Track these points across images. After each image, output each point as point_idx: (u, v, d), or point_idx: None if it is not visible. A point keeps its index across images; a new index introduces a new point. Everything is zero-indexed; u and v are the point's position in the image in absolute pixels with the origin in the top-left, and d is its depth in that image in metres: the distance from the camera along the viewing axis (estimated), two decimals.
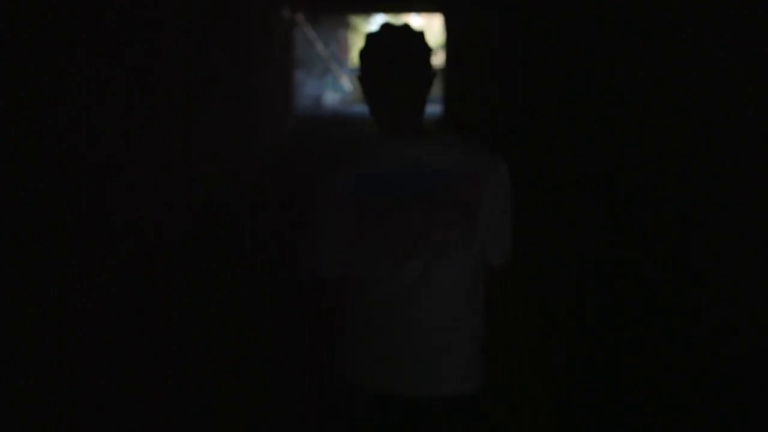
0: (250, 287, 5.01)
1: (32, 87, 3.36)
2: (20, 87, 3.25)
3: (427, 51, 1.61)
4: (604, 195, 3.44)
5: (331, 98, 21.50)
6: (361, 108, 23.05)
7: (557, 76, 4.51)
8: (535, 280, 4.80)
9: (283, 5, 13.00)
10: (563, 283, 4.17)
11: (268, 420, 3.15)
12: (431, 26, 30.07)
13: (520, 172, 5.45)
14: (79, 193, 3.88)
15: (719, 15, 2.27)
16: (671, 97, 2.65)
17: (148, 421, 3.14)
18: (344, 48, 24.73)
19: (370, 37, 1.62)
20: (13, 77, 3.19)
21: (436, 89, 21.83)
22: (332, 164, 1.62)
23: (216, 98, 7.50)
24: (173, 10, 5.86)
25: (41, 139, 3.45)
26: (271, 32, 11.71)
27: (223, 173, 7.85)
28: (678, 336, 2.52)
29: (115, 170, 4.43)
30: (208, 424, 3.12)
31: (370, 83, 1.62)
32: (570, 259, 4.05)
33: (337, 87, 22.64)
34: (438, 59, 24.71)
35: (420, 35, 1.61)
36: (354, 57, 26.85)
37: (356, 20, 27.15)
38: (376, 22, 30.80)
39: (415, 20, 34.80)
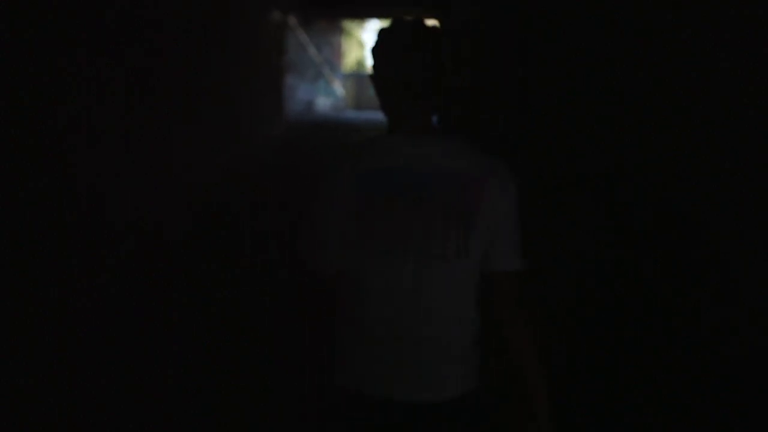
0: (250, 287, 5.01)
1: (32, 87, 3.36)
2: (20, 87, 3.25)
3: (440, 47, 1.58)
4: (604, 195, 3.44)
5: (323, 103, 21.30)
6: (353, 113, 23.02)
7: (557, 76, 4.51)
8: (535, 280, 4.80)
9: (274, 8, 12.89)
10: (563, 283, 4.17)
11: (268, 420, 3.15)
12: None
13: (520, 172, 5.45)
14: (79, 193, 3.88)
15: (719, 15, 2.27)
16: (671, 97, 2.64)
17: (148, 421, 3.14)
18: (337, 53, 24.57)
19: (383, 32, 1.59)
20: (13, 77, 3.19)
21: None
22: (336, 159, 1.60)
23: (200, 102, 7.36)
24: (162, 11, 5.86)
25: (41, 139, 3.45)
26: (261, 35, 11.59)
27: (202, 178, 7.74)
28: (678, 336, 2.52)
29: (114, 170, 4.44)
30: (208, 424, 3.12)
31: (381, 80, 1.60)
32: (570, 259, 4.05)
33: (329, 92, 22.51)
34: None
35: (433, 30, 1.58)
36: (347, 62, 26.82)
37: (349, 25, 27.15)
38: (369, 27, 30.89)
39: None
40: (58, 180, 3.62)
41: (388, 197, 1.55)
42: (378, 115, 23.77)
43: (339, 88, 24.30)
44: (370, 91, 31.55)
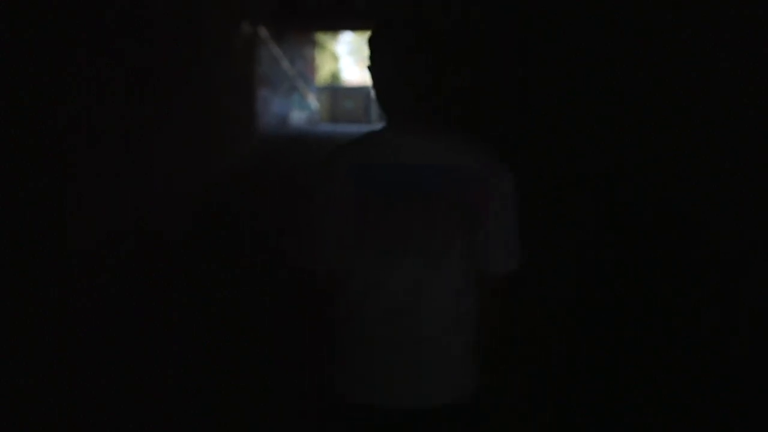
0: (250, 287, 5.00)
1: (32, 87, 3.36)
2: (20, 87, 3.25)
3: (441, 41, 1.54)
4: (604, 195, 3.44)
5: (297, 117, 20.81)
6: (329, 127, 22.80)
7: (557, 76, 4.51)
8: (535, 280, 4.80)
9: (244, 19, 12.46)
10: (563, 283, 4.17)
11: (268, 420, 3.15)
12: None
13: (520, 172, 5.44)
14: (79, 194, 3.88)
15: (719, 15, 2.27)
16: (671, 97, 2.64)
17: (148, 421, 3.14)
18: (310, 66, 24.00)
19: (381, 24, 1.55)
20: (13, 77, 3.18)
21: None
22: (333, 156, 1.56)
23: (167, 113, 7.03)
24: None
25: (41, 139, 3.45)
26: (231, 47, 11.21)
27: (165, 192, 7.40)
28: (678, 336, 2.52)
29: (114, 170, 4.43)
30: (208, 424, 3.12)
31: (379, 73, 1.56)
32: (570, 259, 4.05)
33: (303, 105, 22.07)
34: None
35: (434, 30, 1.55)
36: (321, 75, 26.53)
37: (323, 38, 27.04)
38: (343, 40, 30.69)
39: None
40: (58, 180, 3.62)
41: (386, 196, 1.52)
42: (353, 128, 23.29)
43: (313, 101, 24.03)
44: (345, 104, 31.05)
